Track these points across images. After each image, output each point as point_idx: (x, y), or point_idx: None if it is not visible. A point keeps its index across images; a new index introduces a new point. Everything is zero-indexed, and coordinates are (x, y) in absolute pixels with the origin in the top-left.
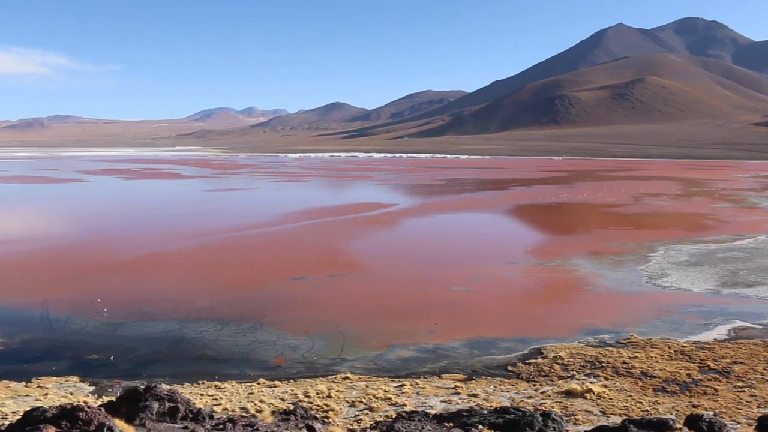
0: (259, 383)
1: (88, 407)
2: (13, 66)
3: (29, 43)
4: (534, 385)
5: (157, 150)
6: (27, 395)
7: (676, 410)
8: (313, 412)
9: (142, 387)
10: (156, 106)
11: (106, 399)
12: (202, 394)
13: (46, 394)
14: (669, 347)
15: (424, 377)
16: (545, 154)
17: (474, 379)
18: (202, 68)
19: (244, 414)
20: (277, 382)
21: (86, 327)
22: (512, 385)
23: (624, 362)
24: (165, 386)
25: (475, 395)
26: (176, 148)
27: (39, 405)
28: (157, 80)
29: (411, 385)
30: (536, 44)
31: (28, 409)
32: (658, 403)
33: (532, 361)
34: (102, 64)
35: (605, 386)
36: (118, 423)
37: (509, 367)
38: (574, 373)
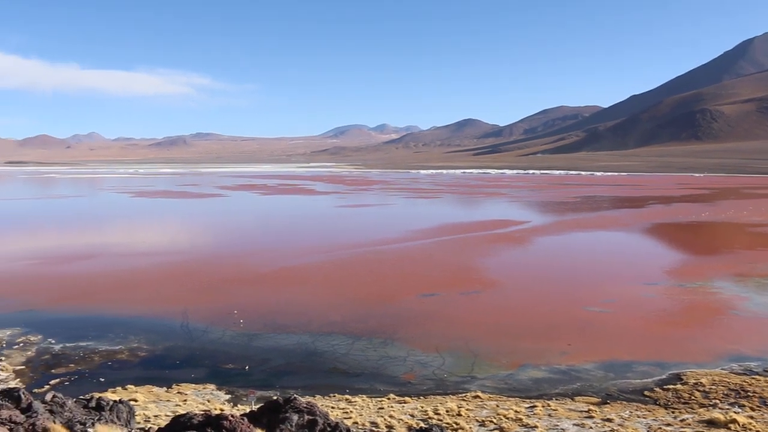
0: (389, 398)
1: (232, 416)
2: (160, 87)
3: (175, 65)
4: (672, 413)
5: (292, 166)
6: (168, 400)
7: None
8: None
9: (282, 399)
10: (292, 124)
11: (241, 407)
12: (333, 407)
13: (186, 400)
14: None
15: (556, 399)
16: (685, 171)
17: (608, 403)
18: (337, 86)
19: (376, 429)
20: (406, 398)
21: (223, 337)
22: (649, 411)
23: None
24: (304, 399)
25: (609, 420)
26: (311, 164)
27: (179, 410)
28: (293, 98)
29: (543, 406)
30: (676, 57)
31: (168, 413)
32: None
33: (671, 386)
34: (241, 83)
35: (751, 417)
36: None
37: (646, 392)
38: (717, 401)
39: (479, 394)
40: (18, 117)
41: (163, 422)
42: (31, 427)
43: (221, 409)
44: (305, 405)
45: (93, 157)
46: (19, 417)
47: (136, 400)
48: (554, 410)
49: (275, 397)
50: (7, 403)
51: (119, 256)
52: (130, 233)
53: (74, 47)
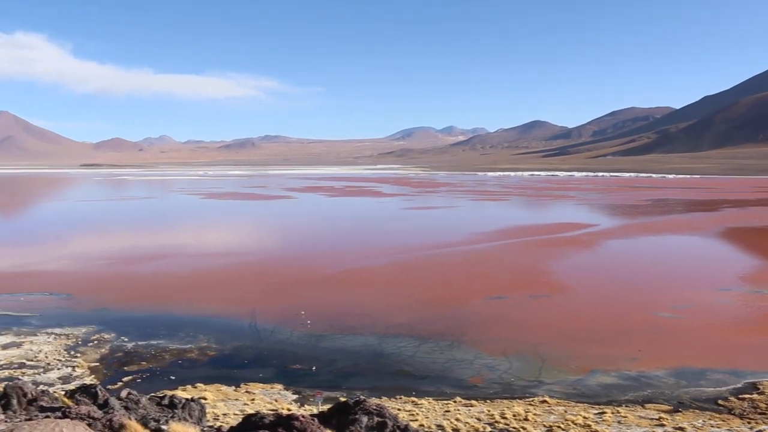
0: (455, 401)
1: (303, 417)
2: (229, 90)
3: (244, 69)
4: (748, 423)
5: (358, 168)
6: (236, 399)
7: None
8: None
9: (352, 400)
10: (358, 126)
11: (308, 408)
12: (399, 409)
13: (253, 399)
14: None
15: (626, 406)
16: (762, 174)
17: (680, 411)
18: (404, 88)
19: None
20: (473, 402)
21: (291, 338)
22: (723, 420)
23: None
24: (374, 401)
25: (681, 429)
26: (377, 166)
27: (247, 409)
28: (360, 101)
29: (612, 413)
30: (752, 55)
31: (237, 412)
32: None
33: (747, 396)
34: (308, 86)
35: None
36: None
37: (720, 401)
38: None
39: (547, 398)
40: (93, 121)
41: (232, 421)
42: (108, 423)
43: (288, 409)
44: (375, 407)
45: (164, 159)
46: (97, 413)
47: (205, 399)
48: (624, 417)
49: (343, 398)
50: (84, 399)
51: (189, 257)
52: (199, 234)
53: (148, 52)
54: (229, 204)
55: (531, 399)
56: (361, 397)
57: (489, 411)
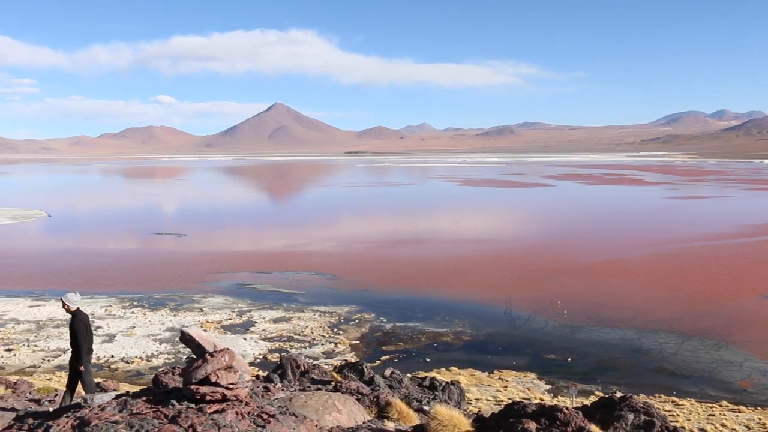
0: (720, 405)
1: (567, 409)
2: (488, 78)
3: (503, 56)
4: None
5: (619, 155)
6: (489, 385)
7: None
8: None
9: (618, 396)
10: (620, 111)
11: (561, 399)
12: (657, 409)
13: (506, 387)
14: None
15: None
16: None
17: None
18: (669, 71)
19: None
20: (741, 407)
21: (545, 327)
22: None
23: None
24: (640, 398)
25: None
26: (640, 153)
27: (499, 395)
28: (622, 85)
29: None
30: None
31: (489, 398)
32: None
33: None
34: (568, 71)
35: None
36: (594, 428)
37: None
38: None
39: None
40: (357, 110)
41: (484, 406)
42: (375, 400)
43: (541, 399)
44: (642, 404)
45: (423, 146)
46: (365, 389)
47: (458, 382)
48: None
49: (598, 392)
50: (352, 375)
51: (446, 242)
52: (456, 220)
53: (409, 43)
54: (486, 191)
55: None
56: (626, 393)
57: (760, 419)
